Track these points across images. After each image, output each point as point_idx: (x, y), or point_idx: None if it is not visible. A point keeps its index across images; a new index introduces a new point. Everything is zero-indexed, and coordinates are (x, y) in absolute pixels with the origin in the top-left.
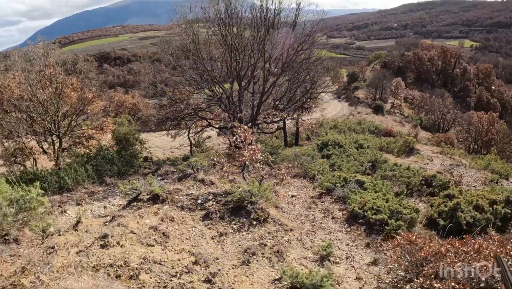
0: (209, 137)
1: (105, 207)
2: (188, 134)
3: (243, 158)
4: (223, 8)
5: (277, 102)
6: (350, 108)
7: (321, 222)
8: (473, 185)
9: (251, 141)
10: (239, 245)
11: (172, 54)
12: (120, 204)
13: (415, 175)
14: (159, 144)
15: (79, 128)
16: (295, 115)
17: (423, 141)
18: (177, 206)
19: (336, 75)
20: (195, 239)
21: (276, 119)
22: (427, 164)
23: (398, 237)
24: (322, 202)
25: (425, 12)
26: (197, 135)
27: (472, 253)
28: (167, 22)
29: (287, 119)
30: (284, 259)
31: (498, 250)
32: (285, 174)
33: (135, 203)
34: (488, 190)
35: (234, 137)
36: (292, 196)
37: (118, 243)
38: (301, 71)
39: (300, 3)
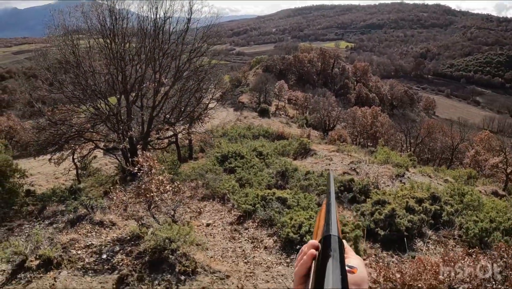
0: (95, 157)
1: None
2: (73, 159)
3: (151, 194)
4: (107, 12)
5: (168, 116)
6: (236, 114)
7: (254, 256)
8: (382, 181)
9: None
10: None
11: (48, 68)
12: (2, 272)
13: None
14: (42, 170)
15: None
16: (187, 128)
17: (316, 140)
18: (78, 269)
19: (219, 82)
20: None
21: (168, 134)
22: (329, 164)
23: None
24: (246, 229)
25: (302, 17)
26: (84, 158)
27: None
28: (42, 34)
29: (182, 133)
30: None
31: None
32: (202, 207)
33: (22, 274)
34: (408, 188)
35: (135, 167)
36: (207, 225)
37: None
38: (191, 80)
39: (193, 3)
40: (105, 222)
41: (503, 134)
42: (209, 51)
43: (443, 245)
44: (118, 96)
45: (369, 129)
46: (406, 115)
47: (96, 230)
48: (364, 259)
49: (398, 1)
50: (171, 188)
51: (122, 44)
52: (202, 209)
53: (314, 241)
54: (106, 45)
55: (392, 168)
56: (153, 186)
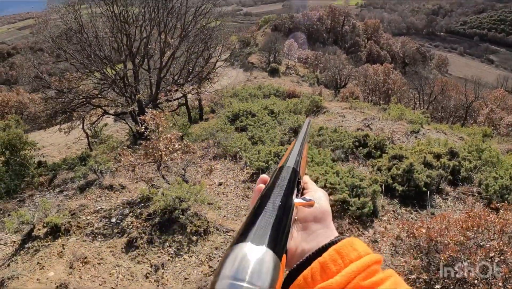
0: (106, 124)
1: None
2: (83, 127)
3: (159, 152)
4: None
5: (176, 77)
6: (246, 74)
7: None
8: (397, 137)
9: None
10: (186, 278)
11: (51, 37)
12: (13, 243)
13: (345, 137)
14: (54, 141)
15: None
16: (196, 88)
17: (328, 98)
18: (86, 235)
19: (226, 41)
20: (124, 285)
21: (178, 96)
22: (342, 121)
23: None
24: None
25: None
26: (93, 126)
27: None
28: (45, 8)
29: (191, 94)
30: None
31: None
32: (213, 165)
33: (30, 244)
34: (424, 143)
35: (142, 126)
36: (220, 184)
37: None
38: (198, 40)
39: None
40: (114, 186)
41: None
42: (214, 12)
43: (462, 201)
44: (124, 58)
45: (381, 86)
46: (419, 73)
47: (105, 194)
48: (382, 216)
49: None
50: (180, 146)
51: (125, 6)
52: (213, 167)
53: (264, 175)
54: (108, 7)
55: (406, 124)
56: (161, 145)
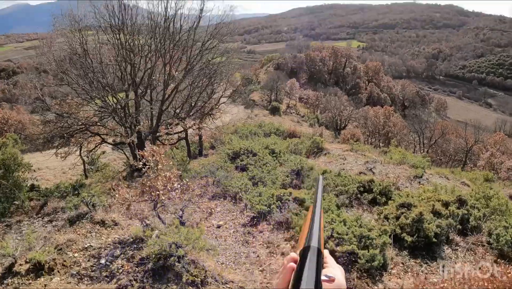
0: (104, 152)
1: None
2: (80, 153)
3: (157, 192)
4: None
5: (178, 111)
6: (247, 112)
7: (270, 263)
8: (400, 182)
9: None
10: None
11: (54, 59)
12: None
13: (349, 182)
14: (50, 164)
15: None
16: (198, 124)
17: (328, 139)
18: (72, 276)
19: (231, 78)
20: None
21: (178, 130)
22: (344, 164)
23: None
24: (260, 232)
25: (314, 15)
26: (91, 153)
27: None
28: (51, 29)
29: (193, 128)
30: None
31: None
32: (213, 207)
33: (9, 280)
34: (431, 190)
35: (140, 161)
36: (218, 226)
37: None
38: (203, 75)
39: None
40: (106, 221)
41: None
42: (220, 48)
43: (472, 252)
44: (126, 87)
45: (381, 129)
46: (419, 116)
47: (96, 230)
48: (391, 268)
49: (411, 1)
50: (179, 185)
51: (131, 35)
52: (213, 210)
53: (294, 254)
54: (114, 35)
55: (408, 169)
56: (159, 183)
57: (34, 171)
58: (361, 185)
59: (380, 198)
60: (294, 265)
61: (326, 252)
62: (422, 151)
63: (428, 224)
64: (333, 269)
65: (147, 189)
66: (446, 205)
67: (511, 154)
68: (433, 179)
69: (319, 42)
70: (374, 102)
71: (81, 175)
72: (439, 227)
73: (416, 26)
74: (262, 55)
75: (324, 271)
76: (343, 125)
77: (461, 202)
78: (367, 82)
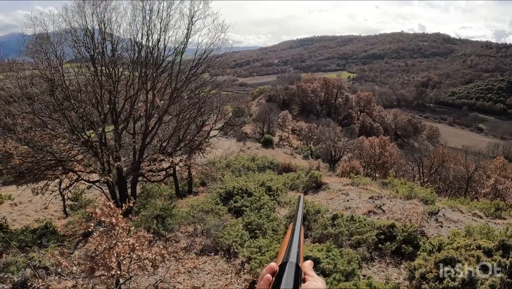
0: (89, 187)
1: None
2: (59, 188)
3: (114, 271)
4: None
5: (164, 144)
6: (239, 144)
7: None
8: (415, 220)
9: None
10: None
11: (19, 86)
12: None
13: (366, 227)
14: (34, 198)
15: None
16: (186, 159)
17: (324, 172)
18: None
19: (221, 110)
20: None
21: (165, 166)
22: (348, 200)
23: None
24: None
25: (304, 48)
26: (67, 190)
27: None
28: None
29: (179, 166)
30: None
31: None
32: (201, 266)
33: None
34: (462, 233)
35: (90, 222)
36: None
37: None
38: (191, 105)
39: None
40: None
41: (508, 160)
42: (212, 81)
43: None
44: (103, 118)
45: (377, 159)
46: (411, 144)
47: None
48: None
49: (398, 32)
50: (150, 254)
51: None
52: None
53: (273, 264)
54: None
55: (418, 203)
56: (113, 259)
57: (16, 205)
58: (381, 231)
59: (406, 247)
60: (271, 277)
61: (306, 264)
62: (421, 180)
63: (481, 284)
64: (315, 282)
65: (96, 266)
66: (488, 253)
67: None
68: (449, 214)
69: (310, 74)
70: (367, 132)
71: (62, 211)
72: (492, 287)
73: (405, 56)
74: (253, 88)
75: (305, 285)
76: (337, 157)
77: (505, 248)
78: (359, 112)
